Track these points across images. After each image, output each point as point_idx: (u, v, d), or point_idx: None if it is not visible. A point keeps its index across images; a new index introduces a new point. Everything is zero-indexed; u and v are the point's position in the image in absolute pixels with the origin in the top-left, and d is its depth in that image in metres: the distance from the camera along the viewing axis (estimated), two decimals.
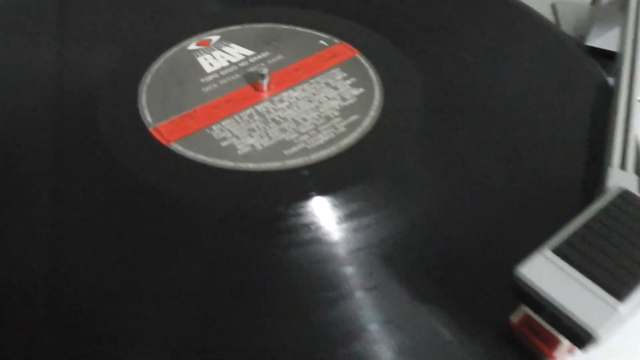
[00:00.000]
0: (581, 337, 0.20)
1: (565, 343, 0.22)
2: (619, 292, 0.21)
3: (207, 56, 0.35)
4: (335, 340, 0.23)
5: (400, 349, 0.23)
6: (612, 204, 0.24)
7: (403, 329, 0.23)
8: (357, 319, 0.24)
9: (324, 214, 0.27)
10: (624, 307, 0.21)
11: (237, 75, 0.34)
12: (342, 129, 0.31)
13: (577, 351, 0.22)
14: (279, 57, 0.35)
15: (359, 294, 0.24)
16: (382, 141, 0.30)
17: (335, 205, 0.27)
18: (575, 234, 0.23)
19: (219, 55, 0.35)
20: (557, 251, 0.22)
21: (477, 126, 0.32)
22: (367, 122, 0.31)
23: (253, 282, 0.25)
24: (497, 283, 0.25)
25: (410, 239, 0.26)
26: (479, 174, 0.29)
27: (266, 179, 0.28)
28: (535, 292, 0.21)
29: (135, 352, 0.22)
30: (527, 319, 0.22)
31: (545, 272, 0.22)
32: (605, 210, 0.24)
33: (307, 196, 0.27)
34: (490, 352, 0.23)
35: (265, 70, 0.33)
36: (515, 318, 0.23)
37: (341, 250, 0.26)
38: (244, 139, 0.30)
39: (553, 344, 0.22)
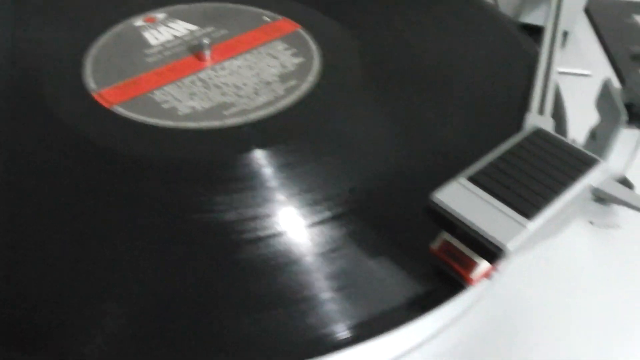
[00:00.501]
0: (492, 252, 0.21)
1: (481, 265, 0.23)
2: (528, 211, 0.22)
3: (153, 31, 0.36)
4: (266, 274, 0.24)
5: (334, 286, 0.24)
6: (527, 139, 0.25)
7: (335, 264, 0.24)
8: (292, 252, 0.25)
9: (262, 165, 0.28)
10: (532, 225, 0.22)
11: (182, 48, 0.35)
12: (280, 93, 0.32)
13: (493, 276, 0.23)
14: (223, 31, 0.36)
15: (293, 232, 0.25)
16: (317, 103, 0.32)
17: (272, 158, 0.28)
18: (490, 164, 0.24)
19: (164, 30, 0.36)
20: (472, 179, 0.23)
21: (411, 89, 0.33)
22: (305, 87, 0.33)
23: (195, 228, 0.25)
24: (423, 224, 0.26)
25: (341, 185, 0.27)
26: (409, 130, 0.31)
27: (206, 136, 0.29)
28: (449, 213, 0.22)
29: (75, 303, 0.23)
30: (445, 245, 0.23)
31: (459, 197, 0.23)
32: (519, 145, 0.25)
33: (246, 149, 0.28)
34: (418, 280, 0.24)
35: (207, 41, 0.34)
36: (435, 245, 0.24)
37: (277, 195, 0.27)
38: (185, 102, 0.31)
39: (470, 266, 0.23)
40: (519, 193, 0.23)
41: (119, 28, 0.36)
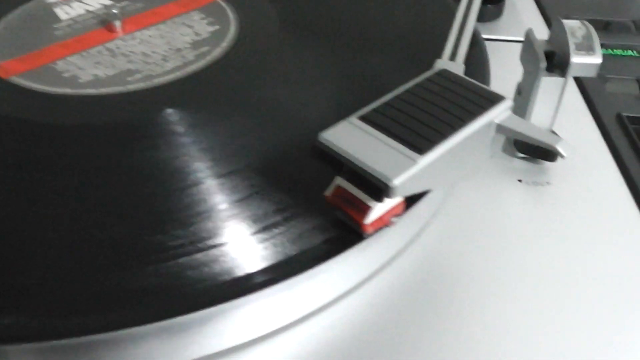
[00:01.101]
0: (379, 189, 0.20)
1: (375, 210, 0.21)
2: (421, 146, 0.20)
3: (65, 7, 0.35)
4: (188, 218, 0.23)
5: (243, 233, 0.22)
6: (428, 79, 0.24)
7: (244, 212, 0.23)
8: (206, 202, 0.23)
9: (170, 124, 0.26)
10: (423, 160, 0.20)
11: (93, 21, 0.34)
12: (190, 58, 0.31)
13: (393, 222, 0.21)
14: (139, 4, 0.35)
15: (207, 182, 0.24)
16: (228, 67, 0.30)
17: (179, 118, 0.27)
18: (385, 103, 0.22)
19: (77, 5, 0.35)
20: (363, 117, 0.22)
21: (331, 50, 0.32)
22: (217, 52, 0.31)
23: (97, 187, 0.24)
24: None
25: (248, 139, 0.26)
26: (326, 91, 0.29)
27: (107, 101, 0.28)
28: (336, 152, 0.21)
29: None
30: (338, 191, 0.22)
31: (348, 136, 0.21)
32: (419, 84, 0.23)
33: (147, 110, 0.27)
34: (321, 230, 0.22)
35: (116, 11, 0.32)
36: (329, 192, 0.22)
37: (184, 152, 0.25)
38: (88, 70, 0.30)
39: (363, 211, 0.21)
40: (415, 130, 0.21)
41: (29, 5, 0.35)
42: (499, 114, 0.22)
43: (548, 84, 0.28)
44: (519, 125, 0.22)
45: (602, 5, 0.44)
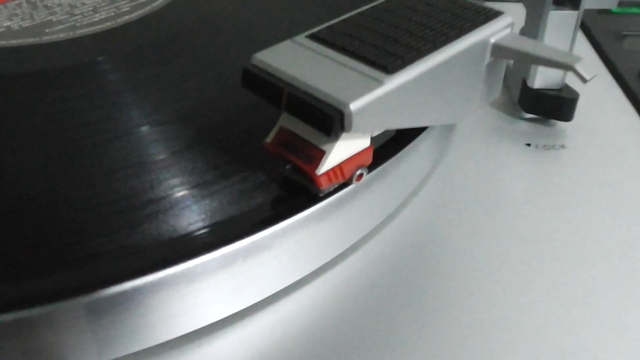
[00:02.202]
0: (330, 118, 0.14)
1: (329, 156, 0.15)
2: (389, 65, 0.15)
3: None
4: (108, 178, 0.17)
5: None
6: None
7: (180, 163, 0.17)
8: (136, 152, 0.18)
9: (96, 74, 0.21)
10: (391, 81, 0.15)
11: None
12: (125, 9, 0.25)
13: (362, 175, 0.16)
14: None
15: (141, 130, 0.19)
16: (165, 17, 0.25)
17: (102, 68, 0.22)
18: (343, 20, 0.17)
19: None
20: (313, 36, 0.16)
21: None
22: (158, 3, 0.26)
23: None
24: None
25: (182, 92, 0.21)
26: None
27: (16, 52, 0.23)
28: (272, 75, 0.15)
29: None
30: (281, 135, 0.16)
31: (290, 56, 0.16)
32: (385, 2, 0.18)
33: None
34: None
35: None
36: (269, 139, 0.16)
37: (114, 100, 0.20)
38: (0, 23, 0.25)
39: (313, 158, 0.15)
40: (382, 47, 0.16)
41: None
42: (496, 32, 0.17)
43: (556, 25, 0.23)
44: (522, 44, 0.17)
45: None
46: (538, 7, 0.23)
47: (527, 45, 0.17)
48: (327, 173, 0.16)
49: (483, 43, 0.17)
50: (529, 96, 0.24)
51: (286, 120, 0.16)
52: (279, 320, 0.17)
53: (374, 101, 0.14)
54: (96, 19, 0.25)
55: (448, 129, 0.23)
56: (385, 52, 0.15)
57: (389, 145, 0.18)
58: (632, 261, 0.19)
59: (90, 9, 0.26)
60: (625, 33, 0.31)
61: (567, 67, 0.16)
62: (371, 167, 0.17)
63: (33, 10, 0.26)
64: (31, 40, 0.23)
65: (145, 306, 0.15)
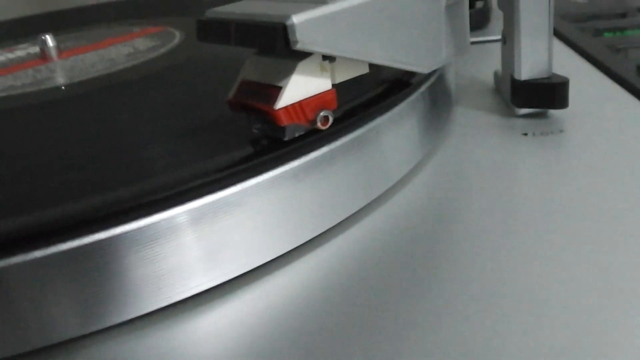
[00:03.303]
0: (275, 30, 0.14)
1: (286, 90, 0.15)
2: None
3: (7, 54, 0.33)
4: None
5: None
6: None
7: None
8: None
9: None
10: (335, 4, 0.15)
11: (32, 57, 0.31)
12: (120, 62, 0.27)
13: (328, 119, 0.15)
14: (83, 41, 0.33)
15: None
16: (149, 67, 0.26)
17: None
18: None
19: (20, 50, 0.33)
20: None
21: None
22: (150, 56, 0.27)
23: None
24: None
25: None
26: None
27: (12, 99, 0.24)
28: (223, 18, 0.15)
29: None
30: (241, 87, 0.16)
31: (241, 6, 0.16)
32: None
33: None
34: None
35: (52, 43, 0.30)
36: (231, 94, 0.16)
37: None
38: (4, 84, 0.26)
39: (272, 96, 0.15)
40: None
41: None
42: None
43: (532, 21, 0.23)
44: None
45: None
46: (512, 5, 0.23)
47: None
48: (286, 109, 0.15)
49: None
50: (519, 90, 0.24)
51: (245, 72, 0.16)
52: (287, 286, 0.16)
53: (318, 18, 0.14)
54: (91, 70, 0.26)
55: (442, 117, 0.23)
56: None
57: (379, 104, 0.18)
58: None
59: (89, 65, 0.27)
60: (620, 46, 0.31)
61: None
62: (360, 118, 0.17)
63: (36, 73, 0.27)
64: (30, 89, 0.25)
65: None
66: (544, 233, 0.17)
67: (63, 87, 0.25)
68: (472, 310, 0.14)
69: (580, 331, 0.13)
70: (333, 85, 0.16)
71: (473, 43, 0.35)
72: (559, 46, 0.33)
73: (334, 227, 0.18)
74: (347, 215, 0.18)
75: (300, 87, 0.15)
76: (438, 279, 0.15)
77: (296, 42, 0.14)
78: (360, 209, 0.18)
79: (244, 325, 0.15)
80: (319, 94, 0.16)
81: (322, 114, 0.16)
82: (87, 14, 0.43)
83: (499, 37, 0.35)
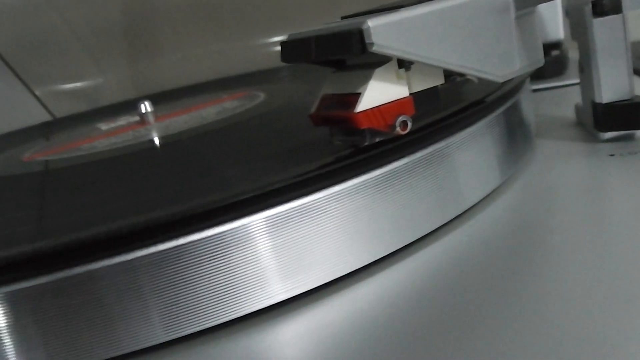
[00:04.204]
0: (351, 35, 0.15)
1: (365, 96, 0.16)
2: (404, 4, 0.16)
3: (111, 124, 0.36)
4: None
5: None
6: None
7: None
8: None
9: None
10: (406, 12, 0.16)
11: (131, 124, 0.34)
12: (209, 118, 0.29)
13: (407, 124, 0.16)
14: (178, 107, 0.35)
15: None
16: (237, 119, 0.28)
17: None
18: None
19: (121, 120, 0.36)
20: (343, 17, 0.18)
21: None
22: (238, 110, 0.29)
23: None
24: None
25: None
26: None
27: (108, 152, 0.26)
28: (305, 36, 0.16)
29: None
30: (323, 100, 0.17)
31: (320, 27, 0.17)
32: None
33: None
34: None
35: (150, 108, 0.32)
36: (313, 109, 0.17)
37: None
38: (107, 142, 0.29)
39: (352, 103, 0.16)
40: (404, 5, 0.17)
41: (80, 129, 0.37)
42: None
43: (605, 33, 0.23)
44: None
45: None
46: (586, 32, 0.23)
47: None
48: (366, 113, 0.16)
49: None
50: (602, 114, 0.23)
51: (327, 87, 0.17)
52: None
53: (392, 23, 0.15)
54: (184, 125, 0.28)
55: (521, 143, 0.23)
56: (408, 3, 0.17)
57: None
58: None
59: (183, 122, 0.29)
60: None
61: None
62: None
63: (136, 133, 0.30)
64: (129, 142, 0.27)
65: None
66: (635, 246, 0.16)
67: (160, 137, 0.27)
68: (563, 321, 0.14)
69: None
70: (410, 93, 0.17)
71: (550, 89, 0.35)
72: None
73: (417, 240, 0.18)
74: (430, 230, 0.18)
75: (378, 92, 0.16)
76: (526, 290, 0.15)
77: (372, 44, 0.15)
78: (443, 225, 0.19)
79: (325, 332, 0.15)
80: (397, 100, 0.16)
81: (400, 118, 0.16)
82: (178, 94, 0.47)
83: (575, 81, 0.35)
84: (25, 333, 0.14)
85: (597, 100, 0.23)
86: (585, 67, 0.24)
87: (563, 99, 0.32)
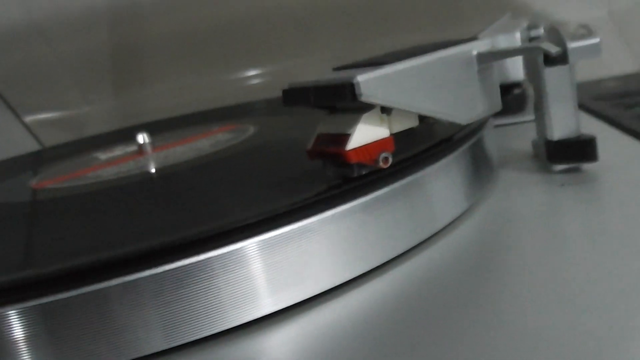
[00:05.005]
0: (344, 87, 0.18)
1: (354, 135, 0.19)
2: (388, 61, 0.19)
3: (109, 153, 0.38)
4: None
5: None
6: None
7: None
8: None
9: None
10: (389, 67, 0.19)
11: (129, 154, 0.36)
12: (206, 150, 0.32)
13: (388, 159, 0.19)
14: (172, 139, 0.38)
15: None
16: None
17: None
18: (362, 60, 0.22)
19: (118, 149, 0.38)
20: (336, 68, 0.21)
21: None
22: (231, 143, 0.32)
23: None
24: None
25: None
26: None
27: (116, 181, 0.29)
28: (303, 85, 0.20)
29: None
30: (318, 138, 0.20)
31: (315, 77, 0.20)
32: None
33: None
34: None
35: (148, 139, 0.35)
36: (309, 146, 0.20)
37: None
38: (112, 171, 0.31)
39: (343, 141, 0.19)
40: (389, 59, 0.20)
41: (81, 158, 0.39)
42: (478, 47, 0.21)
43: (557, 89, 0.27)
44: (498, 50, 0.21)
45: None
46: (538, 77, 0.27)
47: (502, 50, 0.21)
48: (355, 150, 0.19)
49: (467, 52, 0.21)
50: (553, 149, 0.27)
51: (321, 127, 0.20)
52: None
53: (377, 77, 0.18)
54: (187, 158, 0.31)
55: (485, 173, 0.26)
56: (389, 59, 0.20)
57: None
58: None
59: (180, 154, 0.32)
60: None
61: (536, 49, 0.20)
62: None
63: (137, 163, 0.33)
64: (134, 171, 0.30)
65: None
66: (584, 263, 0.19)
67: (163, 167, 0.30)
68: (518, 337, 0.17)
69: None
70: (391, 133, 0.20)
71: (512, 124, 0.39)
72: (593, 121, 0.36)
73: (396, 257, 0.21)
74: (407, 248, 0.21)
75: (365, 133, 0.19)
76: (485, 308, 0.18)
77: (361, 95, 0.18)
78: (418, 243, 0.22)
79: (310, 339, 0.18)
80: (380, 139, 0.20)
81: (383, 155, 0.20)
82: (165, 124, 0.49)
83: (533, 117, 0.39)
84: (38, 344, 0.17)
85: (549, 137, 0.27)
86: (539, 108, 0.28)
87: (523, 133, 0.36)
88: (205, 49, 0.64)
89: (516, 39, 0.31)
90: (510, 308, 0.17)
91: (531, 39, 0.34)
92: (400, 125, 0.20)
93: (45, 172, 0.37)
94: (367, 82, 0.18)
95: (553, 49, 0.20)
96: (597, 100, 0.40)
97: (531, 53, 0.20)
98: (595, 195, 0.25)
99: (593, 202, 0.24)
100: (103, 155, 0.38)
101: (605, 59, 0.35)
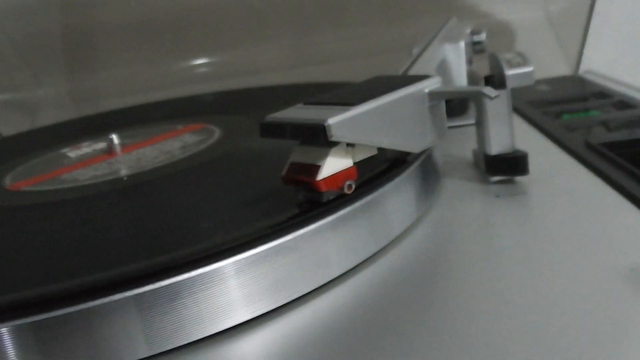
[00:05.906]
0: (318, 130, 0.21)
1: (324, 167, 0.22)
2: (354, 102, 0.22)
3: (75, 150, 0.40)
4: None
5: None
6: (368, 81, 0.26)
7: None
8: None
9: None
10: (355, 109, 0.22)
11: (98, 153, 0.38)
12: (177, 155, 0.34)
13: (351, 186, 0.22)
14: (138, 138, 0.40)
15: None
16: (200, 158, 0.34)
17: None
18: (327, 94, 0.25)
19: (85, 146, 0.40)
20: (307, 102, 0.24)
21: None
22: (201, 148, 0.35)
23: None
24: None
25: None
26: None
27: (97, 186, 0.31)
28: (279, 121, 0.23)
29: None
30: (291, 167, 0.23)
31: (290, 112, 0.23)
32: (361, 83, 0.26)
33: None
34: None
35: (117, 140, 0.37)
36: (283, 172, 0.23)
37: None
38: (88, 174, 0.33)
39: (314, 172, 0.22)
40: (352, 99, 0.23)
41: (47, 155, 0.40)
42: (429, 85, 0.24)
43: (496, 110, 0.31)
44: (447, 90, 0.24)
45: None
46: (480, 99, 0.31)
47: (450, 89, 0.24)
48: (324, 180, 0.22)
49: (420, 91, 0.24)
50: (491, 163, 0.31)
51: (293, 156, 0.23)
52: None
53: (345, 119, 0.21)
54: (158, 163, 0.33)
55: (433, 186, 0.30)
56: (353, 99, 0.23)
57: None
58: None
59: (152, 157, 0.34)
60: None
61: (477, 94, 0.23)
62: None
63: (110, 165, 0.35)
64: (111, 177, 0.32)
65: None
66: (515, 269, 0.23)
67: (137, 174, 0.32)
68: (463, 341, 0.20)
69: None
70: (354, 163, 0.23)
71: (456, 127, 0.43)
72: (526, 128, 0.40)
73: (351, 269, 0.24)
74: (368, 256, 0.25)
75: (332, 165, 0.22)
76: (431, 312, 0.22)
77: (332, 135, 0.21)
78: (377, 251, 0.25)
79: (282, 342, 0.21)
80: (345, 169, 0.23)
81: (347, 182, 0.23)
82: (120, 115, 0.51)
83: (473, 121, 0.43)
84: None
85: (487, 152, 0.31)
86: (479, 125, 0.32)
87: (465, 138, 0.40)
88: (157, 36, 0.65)
89: (461, 48, 0.35)
90: (453, 312, 0.21)
91: (475, 44, 0.38)
92: (362, 155, 0.23)
93: (14, 170, 0.38)
94: (337, 124, 0.21)
95: (492, 94, 0.23)
96: (530, 106, 0.44)
97: (475, 96, 0.24)
98: (525, 206, 0.29)
99: (523, 213, 0.28)
100: (72, 153, 0.39)
101: (540, 60, 0.39)
